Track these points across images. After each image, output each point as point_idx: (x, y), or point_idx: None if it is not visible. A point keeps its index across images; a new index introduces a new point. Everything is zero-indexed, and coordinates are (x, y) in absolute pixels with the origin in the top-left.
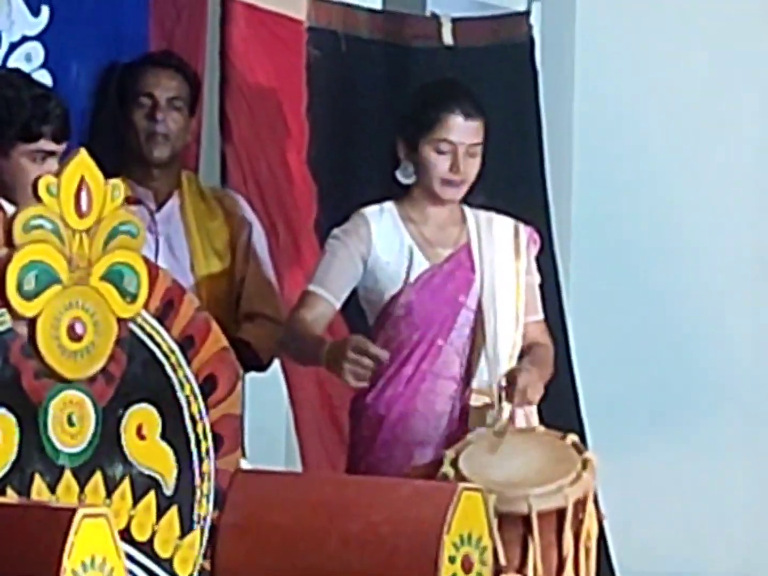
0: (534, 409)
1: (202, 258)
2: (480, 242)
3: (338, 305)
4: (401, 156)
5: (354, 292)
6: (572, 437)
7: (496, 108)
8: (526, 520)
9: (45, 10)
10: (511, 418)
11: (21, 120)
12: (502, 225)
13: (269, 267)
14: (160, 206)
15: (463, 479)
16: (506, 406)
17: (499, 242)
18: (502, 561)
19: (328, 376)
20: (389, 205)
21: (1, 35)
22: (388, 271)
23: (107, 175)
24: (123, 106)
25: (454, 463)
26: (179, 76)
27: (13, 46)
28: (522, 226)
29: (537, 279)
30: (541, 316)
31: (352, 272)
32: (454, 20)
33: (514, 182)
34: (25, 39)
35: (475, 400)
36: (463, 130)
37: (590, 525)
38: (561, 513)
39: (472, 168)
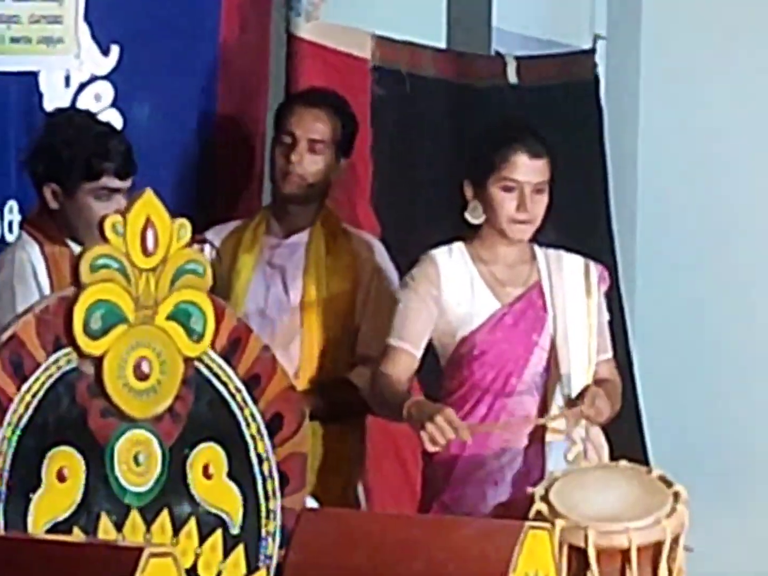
0: (605, 449)
1: (315, 295)
2: (551, 280)
3: (419, 354)
4: (469, 196)
5: None
6: (658, 471)
7: (560, 146)
8: (625, 553)
9: (114, 49)
10: (585, 452)
11: (83, 159)
12: (572, 263)
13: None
14: (286, 238)
15: (559, 515)
16: (579, 441)
17: (570, 280)
18: None
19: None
20: (458, 245)
21: (69, 75)
22: (458, 312)
23: (173, 214)
24: (272, 142)
25: (545, 499)
26: (329, 116)
27: (82, 86)
28: (592, 264)
29: (606, 317)
30: (610, 354)
31: (428, 317)
32: (519, 59)
33: (580, 220)
34: (94, 78)
35: (551, 438)
36: (529, 169)
37: (681, 559)
38: (657, 546)
39: (539, 206)
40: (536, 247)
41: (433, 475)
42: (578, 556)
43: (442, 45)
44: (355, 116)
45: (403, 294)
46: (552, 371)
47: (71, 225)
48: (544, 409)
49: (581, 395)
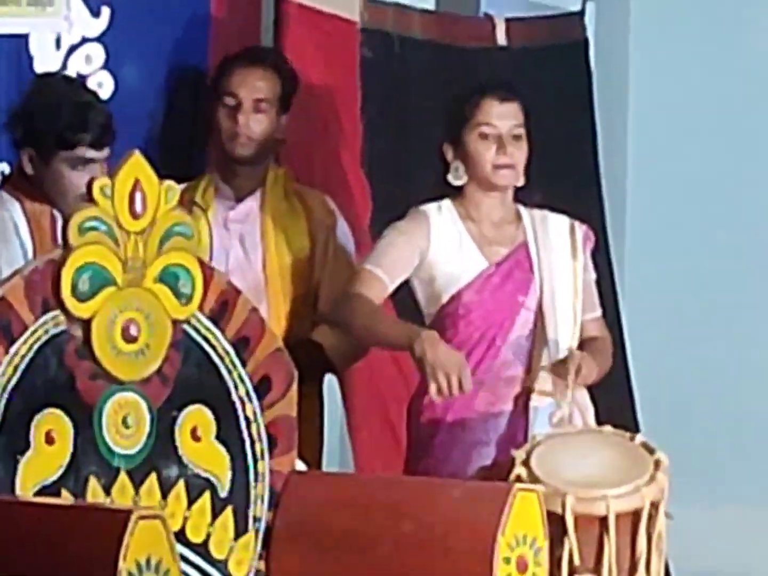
0: (591, 410)
1: (275, 257)
2: (537, 241)
3: (391, 289)
4: (449, 158)
5: (410, 290)
6: (640, 437)
7: (550, 108)
8: (603, 520)
9: (105, 11)
10: (570, 416)
11: (59, 128)
12: (557, 223)
13: (352, 268)
14: (239, 202)
15: (537, 480)
16: (565, 405)
17: (556, 241)
18: (577, 561)
19: (382, 379)
20: (447, 203)
21: (59, 37)
22: (446, 269)
23: (161, 175)
24: (209, 104)
25: (525, 463)
26: (270, 74)
27: (72, 48)
28: (577, 224)
29: (593, 276)
30: (599, 312)
31: (409, 260)
32: (508, 20)
33: (569, 182)
34: (85, 40)
35: (536, 401)
36: (501, 113)
37: (662, 526)
38: (636, 513)
39: (519, 151)
40: (521, 208)
41: (417, 436)
42: (556, 522)
43: (431, 7)
44: (295, 72)
45: (389, 231)
46: (538, 334)
47: (46, 191)
48: (529, 371)
49: (567, 358)
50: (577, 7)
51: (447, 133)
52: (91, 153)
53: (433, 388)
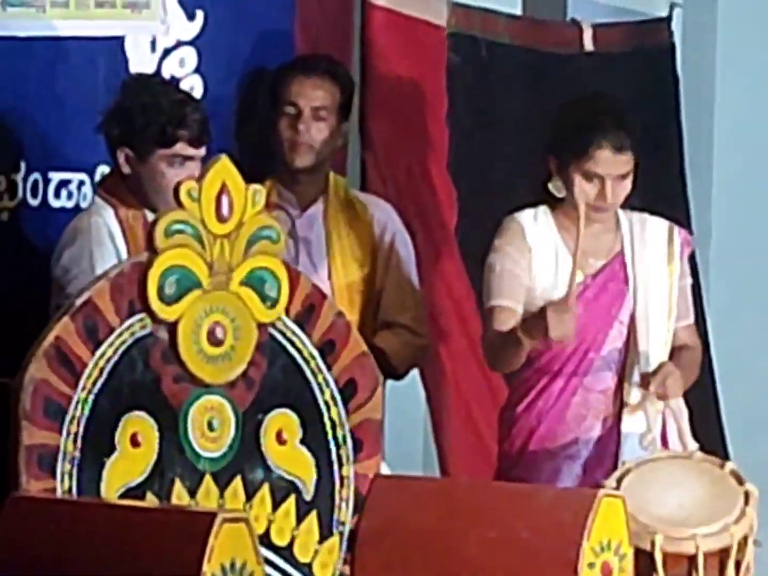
0: (685, 415)
1: (340, 265)
2: (633, 250)
3: (521, 310)
4: (552, 171)
5: None
6: (730, 465)
7: (636, 113)
8: (692, 558)
9: (199, 15)
10: (663, 424)
11: (157, 125)
12: (655, 228)
13: (413, 275)
14: (303, 210)
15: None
16: (653, 424)
17: (653, 247)
18: None
19: (469, 387)
20: (543, 210)
21: (155, 40)
22: (542, 281)
23: (254, 179)
24: (270, 113)
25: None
26: (328, 82)
27: (167, 51)
28: (676, 229)
29: (689, 281)
30: (691, 319)
31: (523, 279)
32: (595, 26)
33: (655, 188)
34: (179, 44)
35: (627, 425)
36: (611, 163)
37: (750, 557)
38: (725, 551)
39: (621, 192)
40: (620, 212)
41: (509, 446)
42: (645, 558)
43: (518, 12)
44: (352, 79)
45: (496, 258)
46: (630, 346)
47: (143, 191)
48: (620, 385)
49: (655, 372)
50: (663, 13)
51: (553, 150)
52: (189, 150)
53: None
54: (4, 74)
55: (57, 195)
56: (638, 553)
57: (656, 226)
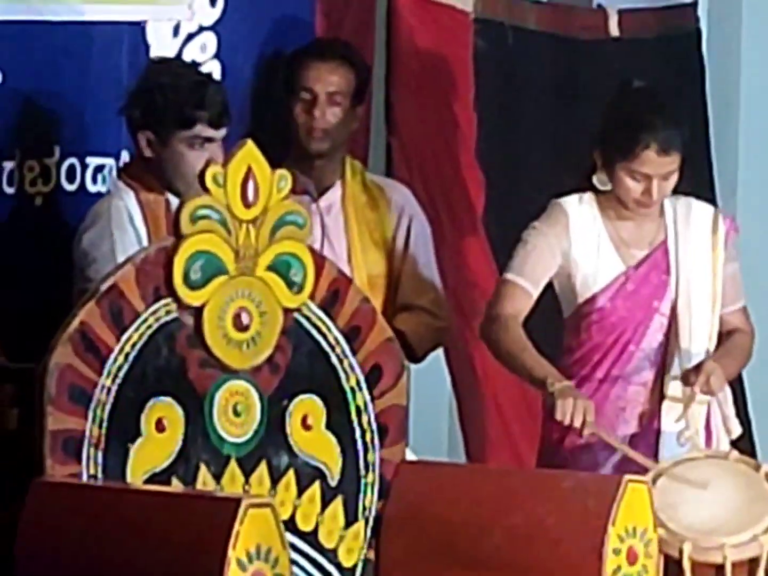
0: (731, 407)
1: (359, 249)
2: (677, 239)
3: (536, 295)
4: (598, 164)
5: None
6: (766, 468)
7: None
8: (720, 568)
9: (220, 0)
10: (710, 428)
11: (177, 106)
12: (700, 214)
13: (431, 259)
14: (321, 195)
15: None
16: (693, 425)
17: (697, 234)
18: None
19: (495, 369)
20: (589, 197)
21: (179, 26)
22: (583, 270)
23: (271, 164)
24: (286, 98)
25: None
26: (343, 67)
27: (190, 36)
28: (721, 216)
29: (736, 266)
30: (741, 303)
31: (551, 262)
32: (621, 11)
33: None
34: (202, 29)
35: (667, 407)
36: (658, 164)
37: None
38: (754, 559)
39: (666, 189)
40: (665, 199)
41: (549, 437)
42: (673, 566)
43: None
44: (366, 63)
45: (529, 234)
46: (671, 340)
47: (165, 173)
48: (660, 378)
49: (697, 369)
50: None
51: (599, 145)
52: (209, 132)
53: (560, 412)
54: (35, 59)
55: (94, 180)
56: (667, 560)
57: (701, 212)
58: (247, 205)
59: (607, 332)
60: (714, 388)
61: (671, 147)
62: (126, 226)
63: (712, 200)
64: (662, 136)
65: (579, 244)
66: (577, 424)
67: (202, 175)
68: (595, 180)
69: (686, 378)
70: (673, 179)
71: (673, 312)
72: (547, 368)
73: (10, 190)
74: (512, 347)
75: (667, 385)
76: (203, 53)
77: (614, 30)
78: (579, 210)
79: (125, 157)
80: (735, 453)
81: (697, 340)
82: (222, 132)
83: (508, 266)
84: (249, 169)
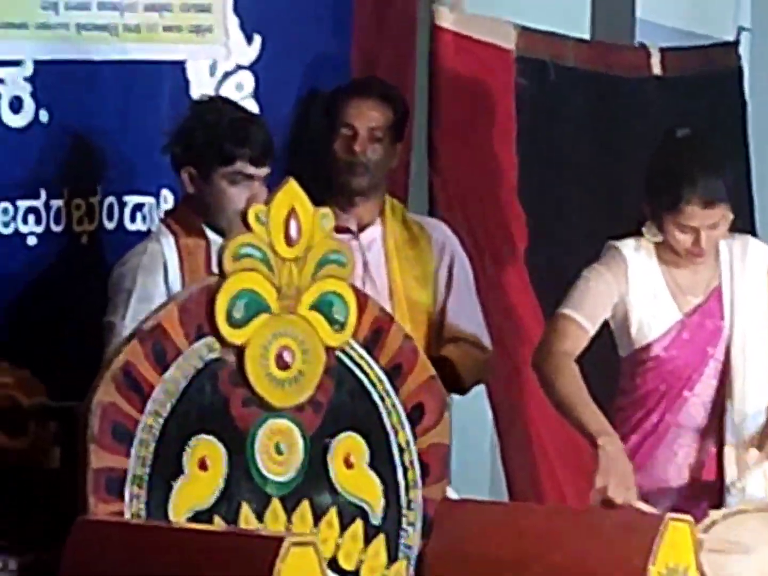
0: None
1: (401, 285)
2: (732, 282)
3: (592, 332)
4: (647, 215)
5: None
6: None
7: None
8: None
9: (257, 39)
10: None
11: (218, 143)
12: (757, 254)
13: (473, 294)
14: (361, 232)
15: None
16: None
17: (753, 276)
18: None
19: (536, 406)
20: (645, 243)
21: (215, 64)
22: (639, 316)
23: (315, 202)
24: (326, 136)
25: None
26: (382, 104)
27: (226, 75)
28: None
29: None
30: None
31: (608, 302)
32: (663, 50)
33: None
34: (239, 68)
35: (728, 456)
36: (703, 217)
37: None
38: None
39: (715, 238)
40: (721, 241)
41: None
42: None
43: (586, 36)
44: (405, 100)
45: (590, 271)
46: (726, 382)
47: (207, 210)
48: (714, 421)
49: (763, 432)
50: (731, 37)
51: (647, 197)
52: (250, 169)
53: (598, 484)
54: (83, 97)
55: (132, 218)
56: None
57: (757, 253)
58: (290, 243)
59: (662, 379)
60: None
61: (715, 199)
62: (154, 271)
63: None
64: (705, 190)
65: (636, 289)
66: (619, 501)
67: (244, 214)
68: (645, 231)
69: (754, 440)
70: (723, 227)
71: (727, 357)
72: (600, 422)
73: (57, 229)
74: (565, 391)
75: (724, 432)
76: (240, 92)
77: (656, 68)
78: (637, 256)
79: (165, 195)
80: None
81: (754, 384)
82: (264, 170)
83: (566, 301)
84: (292, 208)
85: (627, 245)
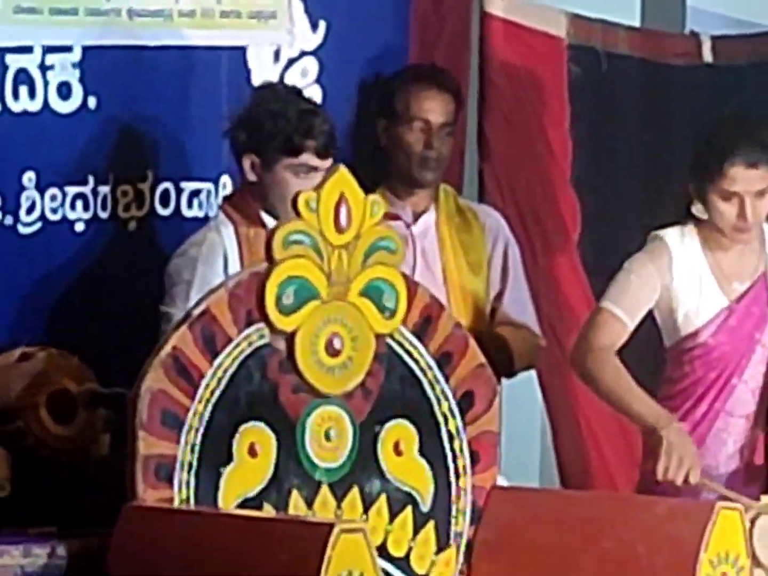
0: None
1: (455, 271)
2: None
3: (632, 327)
4: (693, 195)
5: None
6: None
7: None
8: None
9: (322, 25)
10: None
11: (285, 133)
12: None
13: (524, 282)
14: (416, 219)
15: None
16: None
17: None
18: None
19: (586, 397)
20: (690, 229)
21: (279, 50)
22: (685, 304)
23: (366, 189)
24: (393, 126)
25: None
26: (450, 97)
27: (291, 62)
28: None
29: None
30: None
31: (650, 295)
32: (714, 38)
33: None
34: (303, 54)
35: None
36: (746, 179)
37: None
38: None
39: (761, 210)
40: (766, 227)
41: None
42: None
43: (637, 23)
44: (461, 91)
45: (632, 264)
46: None
47: (267, 198)
48: (763, 408)
49: None
50: None
51: (692, 177)
52: (315, 161)
53: (661, 467)
54: (133, 83)
55: (189, 205)
56: None
57: None
58: (340, 230)
59: (710, 367)
60: None
61: (759, 161)
62: (214, 261)
63: None
64: (747, 151)
65: (681, 278)
66: (679, 482)
67: (295, 201)
68: (693, 210)
69: None
70: (766, 200)
71: None
72: (655, 410)
73: (104, 215)
74: (613, 385)
75: None
76: (304, 78)
77: (708, 56)
78: (681, 244)
79: (225, 182)
80: None
81: None
82: (327, 162)
83: (606, 295)
84: (341, 195)
85: (670, 234)
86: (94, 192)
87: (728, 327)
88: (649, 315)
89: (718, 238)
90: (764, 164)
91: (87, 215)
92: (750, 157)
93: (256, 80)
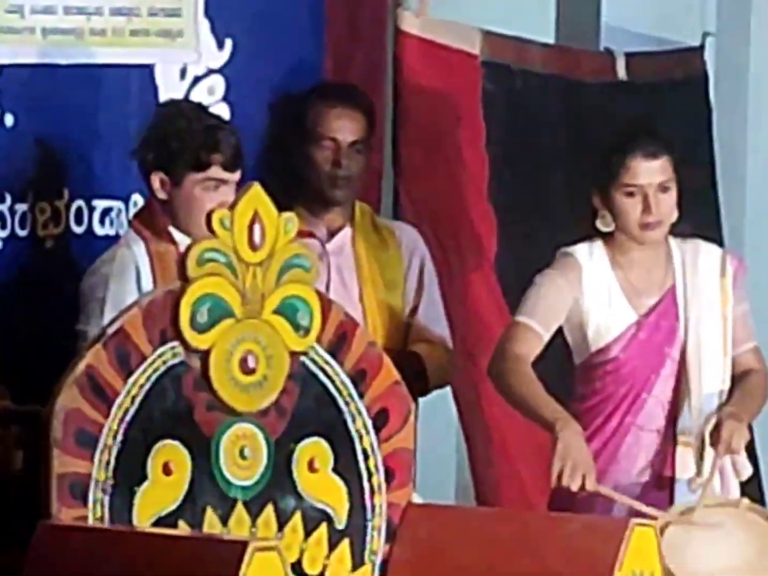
0: (744, 459)
1: (371, 289)
2: (685, 283)
3: (546, 338)
4: (597, 205)
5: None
6: None
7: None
8: None
9: (228, 43)
10: (721, 471)
11: (191, 149)
12: (708, 256)
13: (439, 298)
14: (331, 237)
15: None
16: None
17: (705, 278)
18: None
19: (501, 409)
20: (599, 246)
21: (186, 68)
22: (595, 320)
23: (280, 207)
24: (303, 144)
25: None
26: (360, 115)
27: (197, 79)
28: (729, 257)
29: (746, 306)
30: (752, 343)
31: (563, 308)
32: (628, 55)
33: (689, 217)
34: (210, 72)
35: (680, 452)
36: (647, 171)
37: None
38: None
39: (665, 205)
40: (672, 243)
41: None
42: None
43: (551, 41)
44: (375, 108)
45: (543, 277)
46: (682, 381)
47: (177, 214)
48: (672, 421)
49: (717, 429)
50: (696, 42)
51: (593, 181)
52: (223, 174)
53: (555, 471)
54: (48, 101)
55: (102, 222)
56: None
57: (709, 256)
58: (254, 248)
59: (620, 382)
60: (736, 448)
61: (658, 150)
62: (127, 278)
63: (719, 245)
64: (645, 142)
65: (591, 294)
66: (574, 488)
67: (209, 218)
68: (598, 223)
69: (710, 437)
70: (671, 197)
71: (682, 356)
72: (558, 411)
73: (22, 233)
74: (522, 389)
75: (679, 432)
76: (211, 96)
77: (622, 73)
78: (590, 260)
79: (136, 200)
80: (745, 501)
81: (709, 383)
82: (236, 175)
83: (520, 309)
84: (255, 213)
85: (579, 250)
86: (11, 210)
87: (638, 341)
88: (560, 332)
89: (626, 250)
90: (664, 155)
91: (4, 233)
92: (649, 148)
93: (163, 98)
